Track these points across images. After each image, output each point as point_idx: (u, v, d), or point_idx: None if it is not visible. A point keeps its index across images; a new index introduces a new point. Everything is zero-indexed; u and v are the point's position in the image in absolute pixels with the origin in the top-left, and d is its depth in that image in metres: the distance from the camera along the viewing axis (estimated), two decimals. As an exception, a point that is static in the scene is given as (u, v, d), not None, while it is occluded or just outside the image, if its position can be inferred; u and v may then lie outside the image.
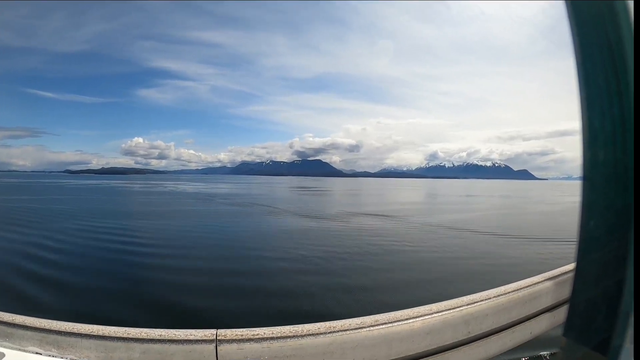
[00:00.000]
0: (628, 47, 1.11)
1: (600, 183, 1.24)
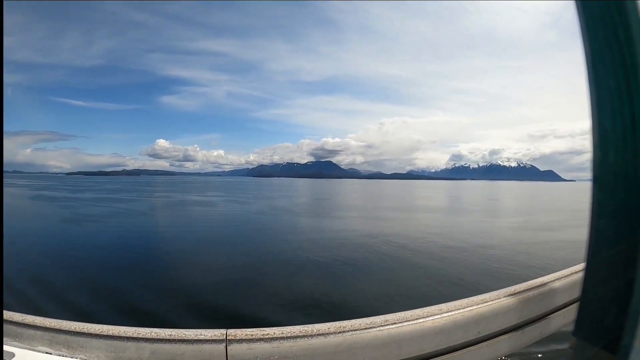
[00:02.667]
0: (638, 47, 1.10)
1: (611, 183, 1.24)
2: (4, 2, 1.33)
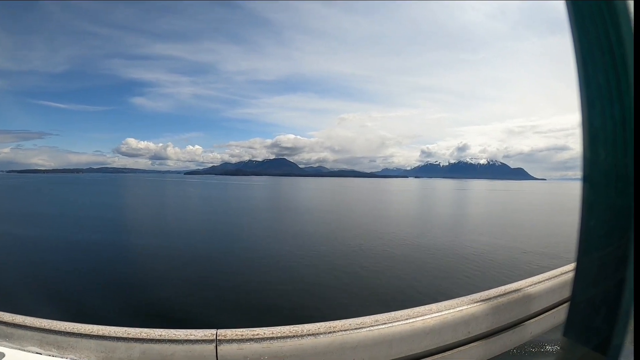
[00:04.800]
0: (628, 47, 1.11)
1: (601, 183, 1.23)
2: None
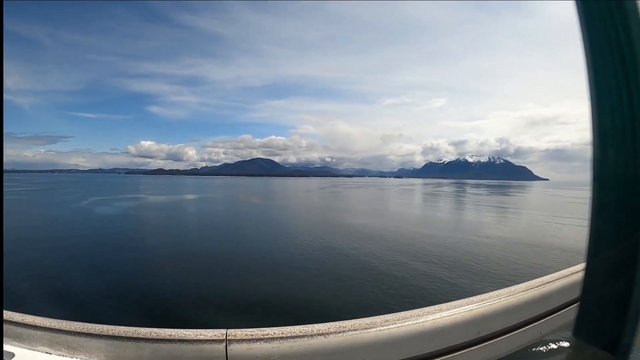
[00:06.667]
0: (638, 47, 1.10)
1: (611, 183, 1.23)
2: (4, 2, 1.34)
